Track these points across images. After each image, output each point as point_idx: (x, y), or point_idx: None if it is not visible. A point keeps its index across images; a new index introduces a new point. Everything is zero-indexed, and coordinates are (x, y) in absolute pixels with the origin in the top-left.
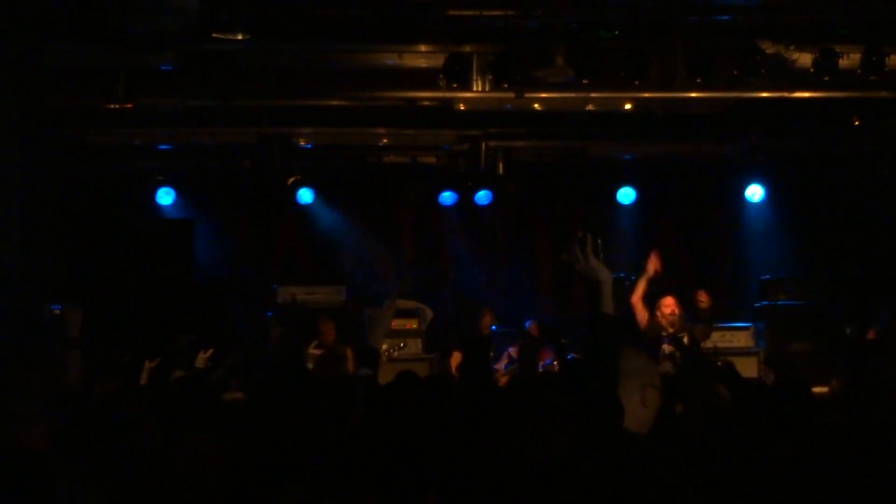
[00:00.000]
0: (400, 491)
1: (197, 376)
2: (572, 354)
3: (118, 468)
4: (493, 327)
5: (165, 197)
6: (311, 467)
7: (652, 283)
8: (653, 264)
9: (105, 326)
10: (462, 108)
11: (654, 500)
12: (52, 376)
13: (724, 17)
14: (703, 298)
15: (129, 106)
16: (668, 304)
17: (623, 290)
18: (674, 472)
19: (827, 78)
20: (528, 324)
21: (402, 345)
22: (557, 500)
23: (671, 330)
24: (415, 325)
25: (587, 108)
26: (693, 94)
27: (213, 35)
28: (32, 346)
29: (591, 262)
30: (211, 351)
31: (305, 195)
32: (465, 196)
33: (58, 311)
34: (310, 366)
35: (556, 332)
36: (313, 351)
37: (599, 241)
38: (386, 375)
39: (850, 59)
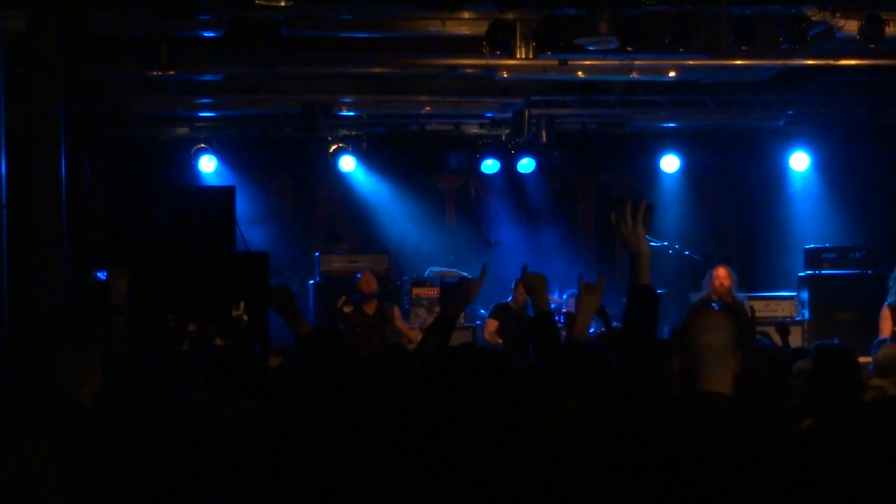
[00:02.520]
0: (440, 460)
1: (240, 344)
2: (615, 323)
3: (160, 434)
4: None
5: (207, 164)
6: (352, 435)
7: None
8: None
9: (147, 293)
10: (505, 75)
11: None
12: (98, 342)
13: None
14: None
15: (172, 73)
16: (720, 276)
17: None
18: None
19: (873, 45)
20: (566, 296)
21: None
22: (595, 471)
23: (723, 299)
24: None
25: (631, 76)
26: (738, 62)
27: (256, 2)
28: (78, 312)
29: (637, 230)
30: (242, 304)
31: (347, 163)
32: (508, 164)
33: (103, 278)
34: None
35: (601, 308)
36: (345, 309)
37: (652, 215)
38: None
39: (895, 27)
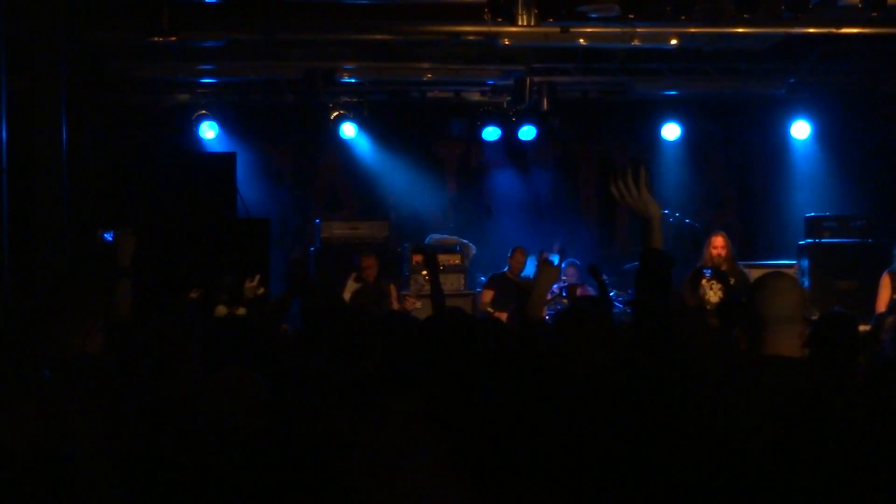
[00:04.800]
0: (440, 424)
1: (243, 316)
2: (615, 291)
3: (155, 400)
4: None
5: (208, 131)
6: (348, 401)
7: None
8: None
9: (148, 259)
10: (507, 42)
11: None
12: (101, 306)
13: None
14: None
15: (174, 39)
16: (717, 245)
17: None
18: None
19: (875, 14)
20: (564, 265)
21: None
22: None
23: (720, 267)
24: (457, 261)
25: (633, 44)
26: (740, 30)
27: None
28: (82, 275)
29: (643, 196)
30: (257, 277)
31: (349, 130)
32: (509, 131)
33: (110, 239)
34: (346, 296)
35: (596, 268)
36: (353, 284)
37: (648, 175)
38: (428, 311)
39: None
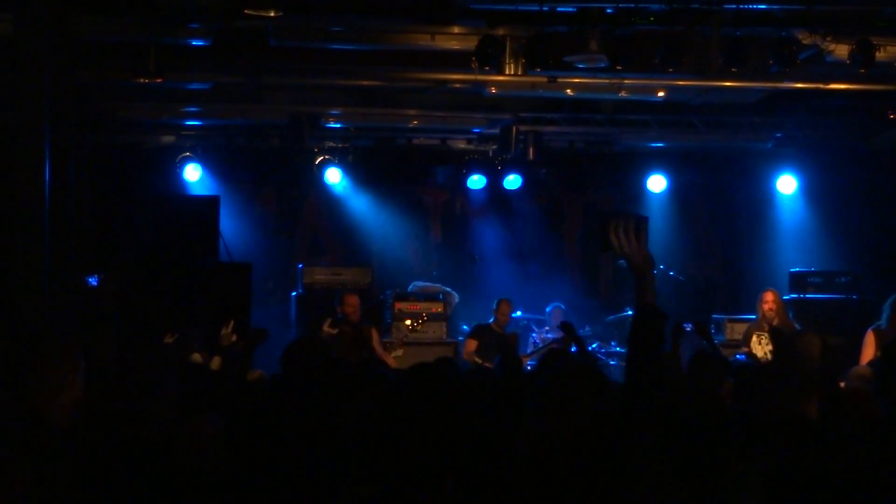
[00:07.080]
0: (416, 477)
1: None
2: (597, 343)
3: (131, 445)
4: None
5: (192, 173)
6: (324, 451)
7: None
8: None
9: (131, 303)
10: (494, 91)
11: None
12: (81, 349)
13: (761, 6)
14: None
15: (159, 81)
16: (768, 300)
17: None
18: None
19: (863, 70)
20: (549, 308)
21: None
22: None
23: (772, 322)
24: (440, 309)
25: (620, 95)
26: (728, 83)
27: (246, 11)
28: (61, 318)
29: (641, 249)
30: (231, 324)
31: (333, 175)
32: (494, 180)
33: (94, 284)
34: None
35: (570, 325)
36: (328, 329)
37: (646, 227)
38: (409, 359)
39: (886, 52)
